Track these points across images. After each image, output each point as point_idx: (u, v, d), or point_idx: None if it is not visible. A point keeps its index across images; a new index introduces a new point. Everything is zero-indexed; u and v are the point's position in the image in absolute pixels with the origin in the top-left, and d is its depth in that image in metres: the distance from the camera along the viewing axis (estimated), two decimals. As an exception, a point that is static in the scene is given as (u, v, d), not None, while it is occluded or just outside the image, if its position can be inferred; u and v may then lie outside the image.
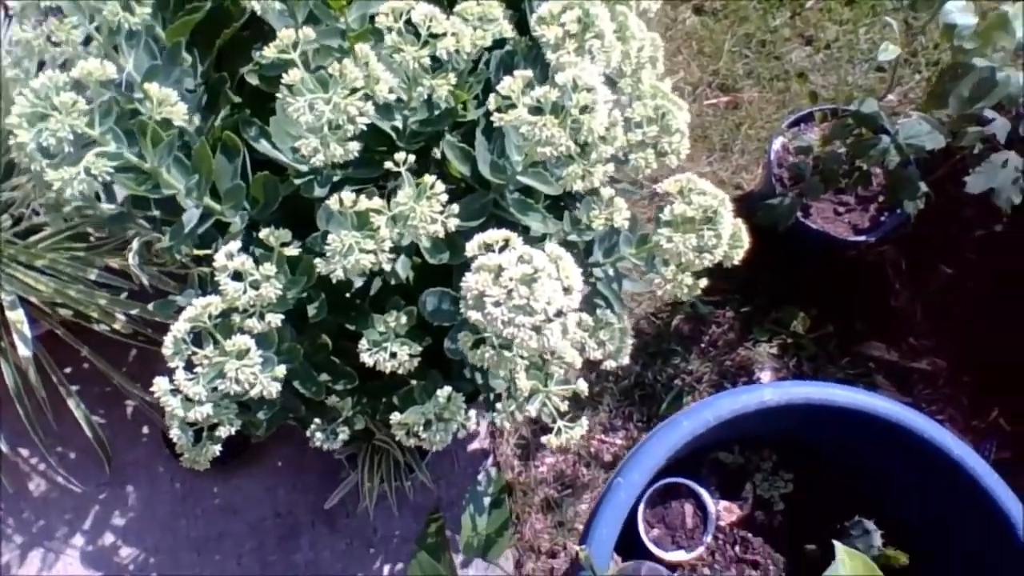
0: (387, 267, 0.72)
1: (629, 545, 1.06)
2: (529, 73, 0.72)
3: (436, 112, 0.86)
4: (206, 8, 0.86)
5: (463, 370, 0.90)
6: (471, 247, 0.69)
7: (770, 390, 0.96)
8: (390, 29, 0.73)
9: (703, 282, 0.84)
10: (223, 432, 0.77)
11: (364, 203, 0.70)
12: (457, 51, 0.76)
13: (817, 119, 1.39)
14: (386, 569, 1.20)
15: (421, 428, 0.79)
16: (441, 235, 0.72)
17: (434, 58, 0.78)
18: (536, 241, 0.87)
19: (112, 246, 1.11)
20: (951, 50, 1.13)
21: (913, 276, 1.45)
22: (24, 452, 1.25)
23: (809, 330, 1.39)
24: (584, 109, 0.69)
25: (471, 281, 0.65)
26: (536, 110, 0.69)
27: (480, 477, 0.92)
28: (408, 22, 0.75)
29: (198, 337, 0.74)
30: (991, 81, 1.09)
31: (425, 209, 0.70)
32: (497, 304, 0.64)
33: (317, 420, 0.87)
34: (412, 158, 0.74)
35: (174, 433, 0.76)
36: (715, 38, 1.61)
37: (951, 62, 1.13)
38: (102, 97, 0.68)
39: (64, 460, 1.24)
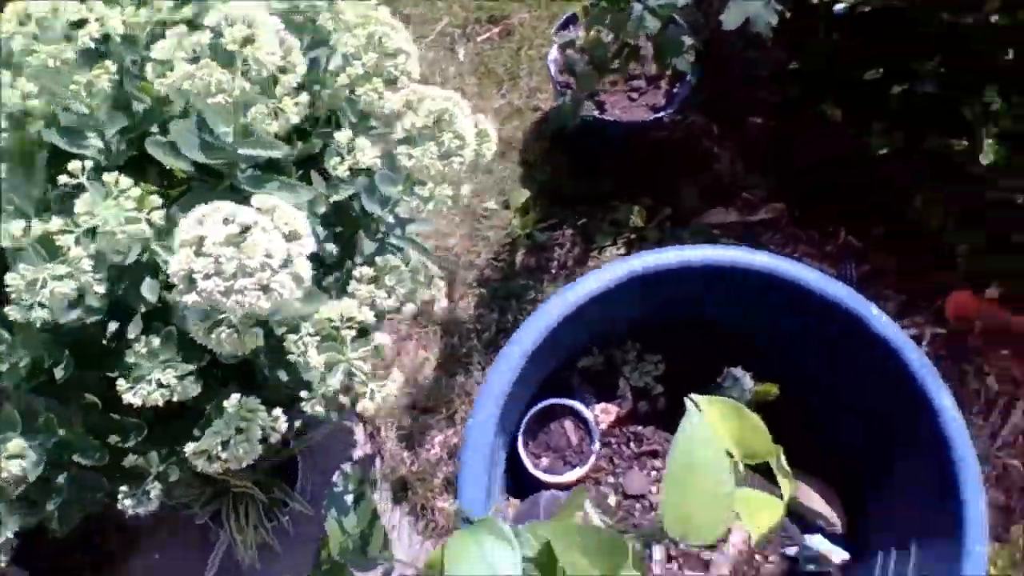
0: (99, 289, 0.64)
1: (522, 486, 1.01)
2: (183, 28, 0.65)
3: (137, 115, 0.78)
4: None
5: (269, 373, 0.83)
6: (182, 231, 0.62)
7: (635, 260, 0.91)
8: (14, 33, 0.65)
9: (467, 188, 0.79)
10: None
11: (39, 227, 0.62)
12: (111, 36, 0.69)
13: (580, 15, 1.38)
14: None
15: (220, 449, 0.71)
16: (148, 234, 0.65)
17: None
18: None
19: None
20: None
21: (725, 136, 1.45)
22: None
23: (648, 220, 1.37)
24: (246, 42, 0.63)
25: (175, 264, 0.58)
26: (194, 61, 0.63)
27: (335, 479, 0.85)
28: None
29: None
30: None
31: (113, 212, 0.63)
32: (208, 276, 0.57)
33: (124, 488, 0.78)
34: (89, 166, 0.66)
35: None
36: (466, -25, 1.58)
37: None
38: None
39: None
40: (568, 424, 1.02)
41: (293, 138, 0.85)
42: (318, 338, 0.75)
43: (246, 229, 0.59)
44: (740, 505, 0.76)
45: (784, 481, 0.81)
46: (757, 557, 1.01)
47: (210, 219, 0.59)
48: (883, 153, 1.27)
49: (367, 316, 0.76)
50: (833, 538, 0.99)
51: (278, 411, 0.76)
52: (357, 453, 1.21)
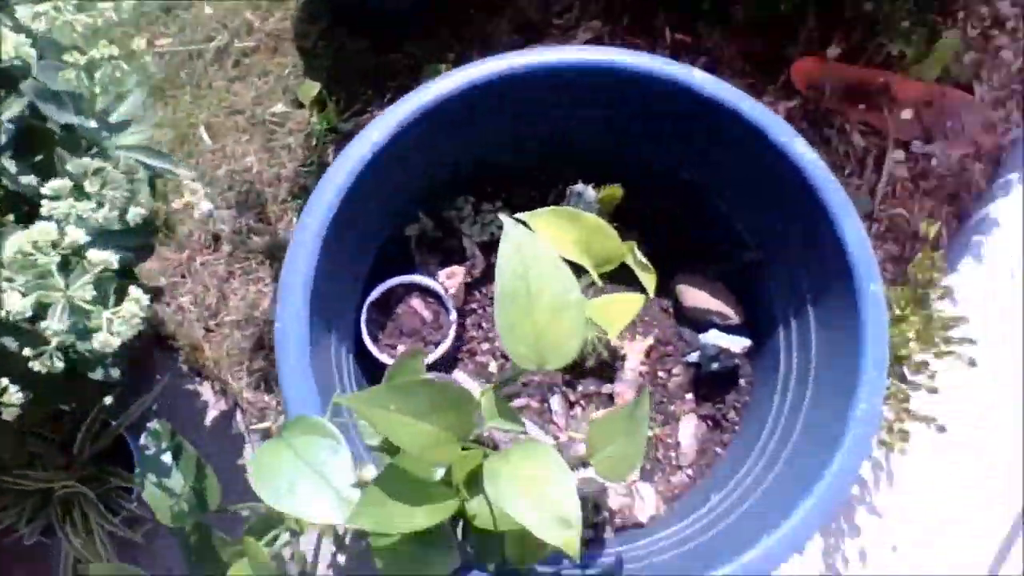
0: None
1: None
2: None
3: None
4: None
5: None
6: None
7: (472, 69, 0.78)
8: None
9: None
10: None
11: None
12: None
13: None
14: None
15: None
16: None
17: None
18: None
19: None
20: None
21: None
22: None
23: (455, 62, 1.23)
24: None
25: None
26: None
27: (142, 441, 0.70)
28: None
29: None
30: None
31: None
32: None
33: None
34: None
35: None
36: None
37: None
38: None
39: None
40: (416, 302, 0.89)
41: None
42: (24, 279, 0.59)
43: None
44: (594, 311, 0.65)
45: (644, 275, 0.70)
46: (660, 374, 0.92)
47: None
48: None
49: (76, 236, 0.60)
50: (732, 330, 0.91)
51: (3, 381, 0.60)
52: (212, 414, 1.05)
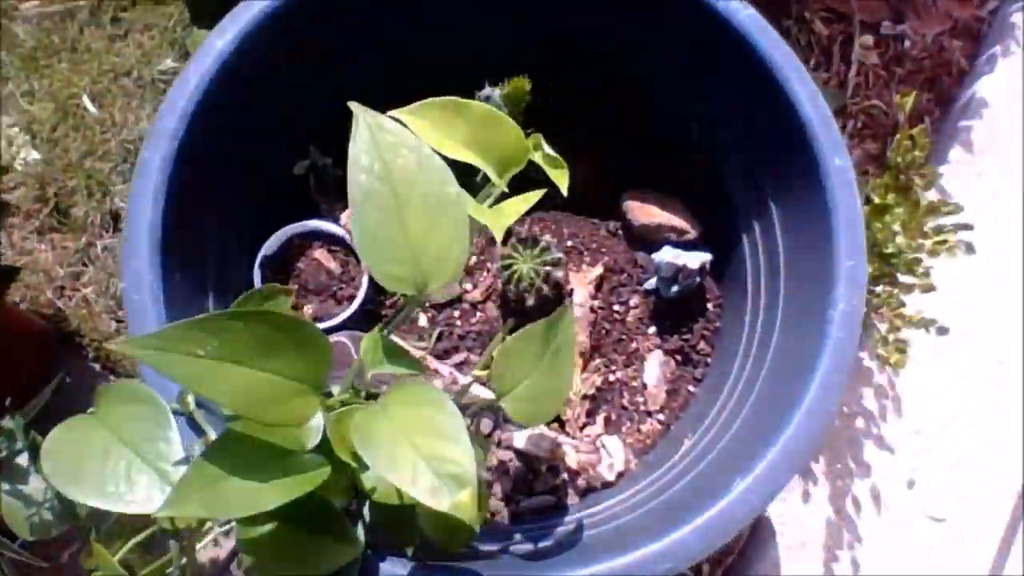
0: None
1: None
2: None
3: None
4: None
5: None
6: None
7: None
8: None
9: None
10: None
11: None
12: None
13: None
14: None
15: None
16: None
17: None
18: None
19: None
20: None
21: None
22: None
23: None
24: None
25: None
26: None
27: None
28: None
29: None
30: None
31: None
32: None
33: None
34: None
35: None
36: None
37: None
38: None
39: None
40: (319, 253, 0.77)
41: None
42: None
43: None
44: (481, 213, 0.53)
45: (554, 171, 0.57)
46: (616, 308, 0.80)
47: None
48: None
49: None
50: (690, 246, 0.78)
51: None
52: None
